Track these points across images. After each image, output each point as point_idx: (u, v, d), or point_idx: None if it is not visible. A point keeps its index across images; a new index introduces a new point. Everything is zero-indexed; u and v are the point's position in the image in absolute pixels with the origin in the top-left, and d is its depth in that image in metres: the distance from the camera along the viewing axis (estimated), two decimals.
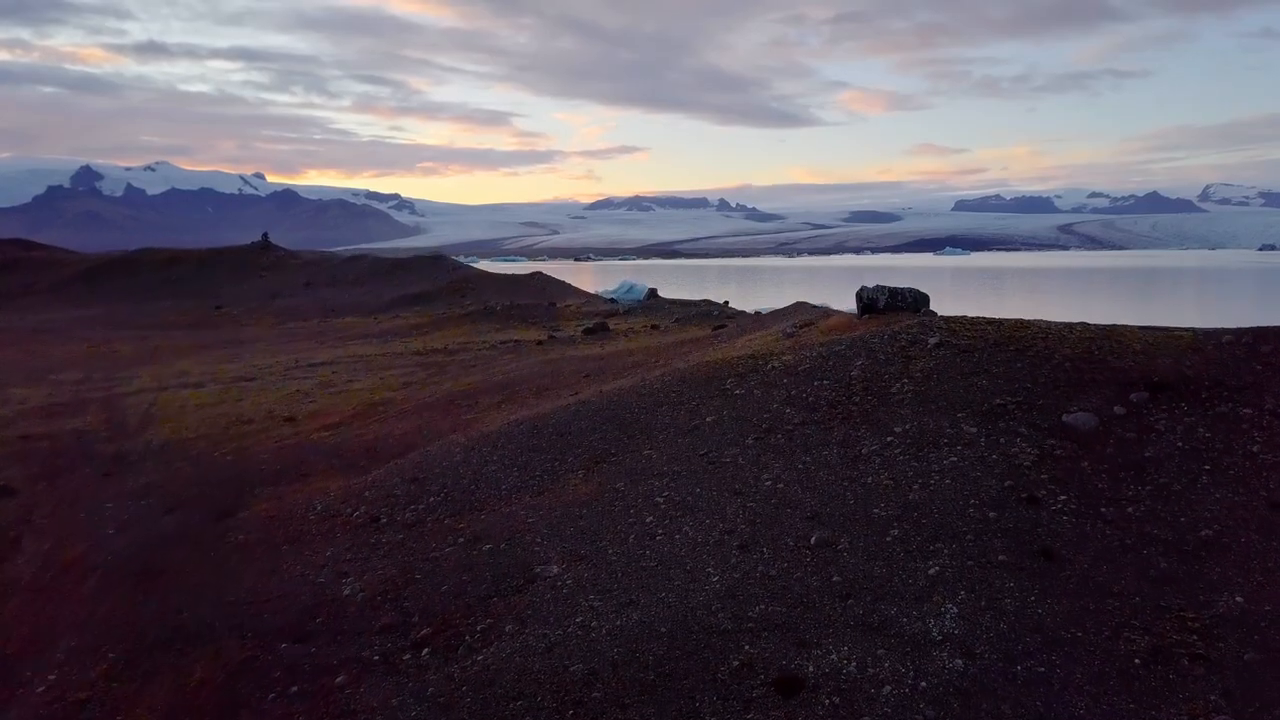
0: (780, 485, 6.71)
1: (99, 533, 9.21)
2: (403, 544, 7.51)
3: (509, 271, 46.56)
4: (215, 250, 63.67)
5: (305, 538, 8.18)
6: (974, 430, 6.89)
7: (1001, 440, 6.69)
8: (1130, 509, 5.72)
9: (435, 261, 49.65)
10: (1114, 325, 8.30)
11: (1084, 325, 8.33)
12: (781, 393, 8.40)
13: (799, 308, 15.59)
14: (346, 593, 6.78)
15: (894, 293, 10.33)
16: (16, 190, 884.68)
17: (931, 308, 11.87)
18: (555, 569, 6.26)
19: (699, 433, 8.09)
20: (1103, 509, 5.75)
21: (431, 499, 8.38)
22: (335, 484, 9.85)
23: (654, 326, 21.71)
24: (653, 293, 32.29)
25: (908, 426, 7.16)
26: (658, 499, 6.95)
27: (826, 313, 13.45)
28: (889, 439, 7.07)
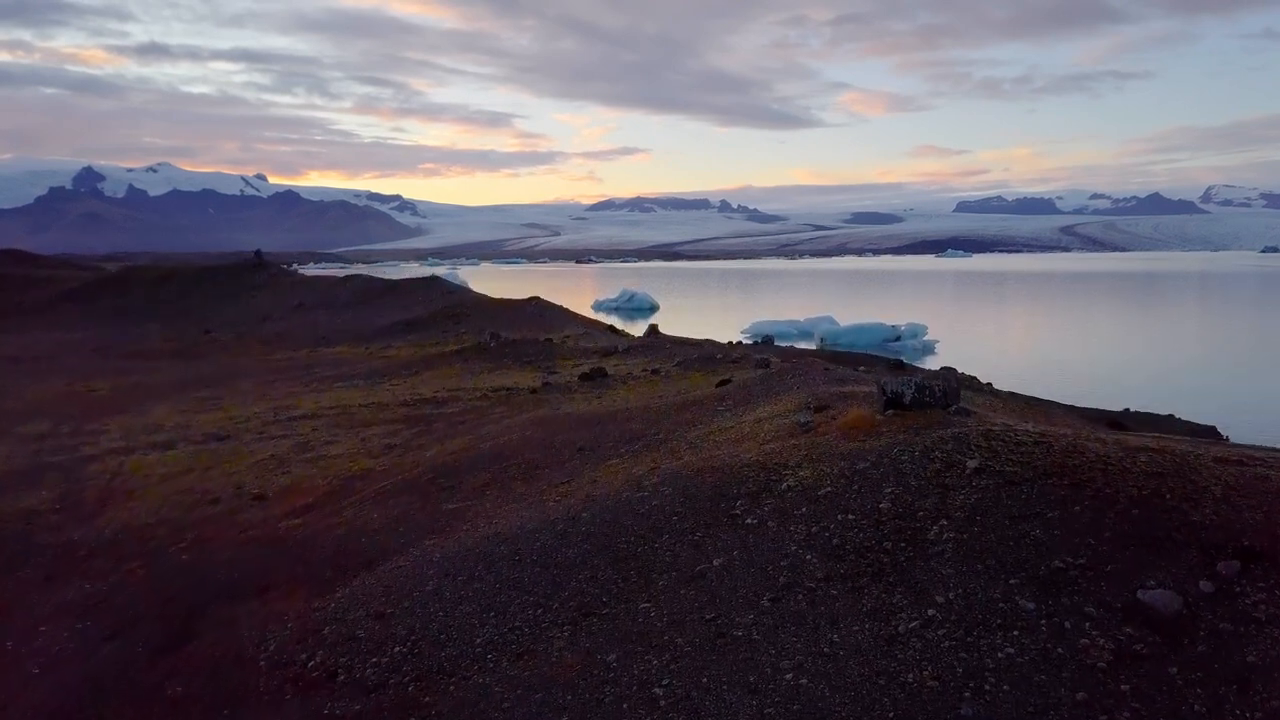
0: (804, 681, 5.61)
1: (23, 672, 8.15)
2: None
3: (505, 295, 45.50)
4: (208, 267, 62.63)
5: (250, 698, 7.09)
6: (1032, 607, 5.79)
7: (1066, 625, 5.59)
8: None
9: (429, 284, 48.56)
10: (1183, 454, 7.18)
11: (1148, 453, 7.21)
12: (800, 529, 7.31)
13: (809, 367, 14.50)
14: None
15: (920, 387, 9.25)
16: (18, 191, 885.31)
17: (959, 377, 10.83)
18: None
19: (704, 582, 6.99)
20: None
21: (397, 648, 7.30)
22: (295, 605, 8.78)
23: (654, 371, 20.62)
24: (654, 329, 31.12)
25: (951, 595, 6.06)
26: (656, 689, 5.85)
27: (843, 389, 12.34)
28: (930, 611, 5.97)
